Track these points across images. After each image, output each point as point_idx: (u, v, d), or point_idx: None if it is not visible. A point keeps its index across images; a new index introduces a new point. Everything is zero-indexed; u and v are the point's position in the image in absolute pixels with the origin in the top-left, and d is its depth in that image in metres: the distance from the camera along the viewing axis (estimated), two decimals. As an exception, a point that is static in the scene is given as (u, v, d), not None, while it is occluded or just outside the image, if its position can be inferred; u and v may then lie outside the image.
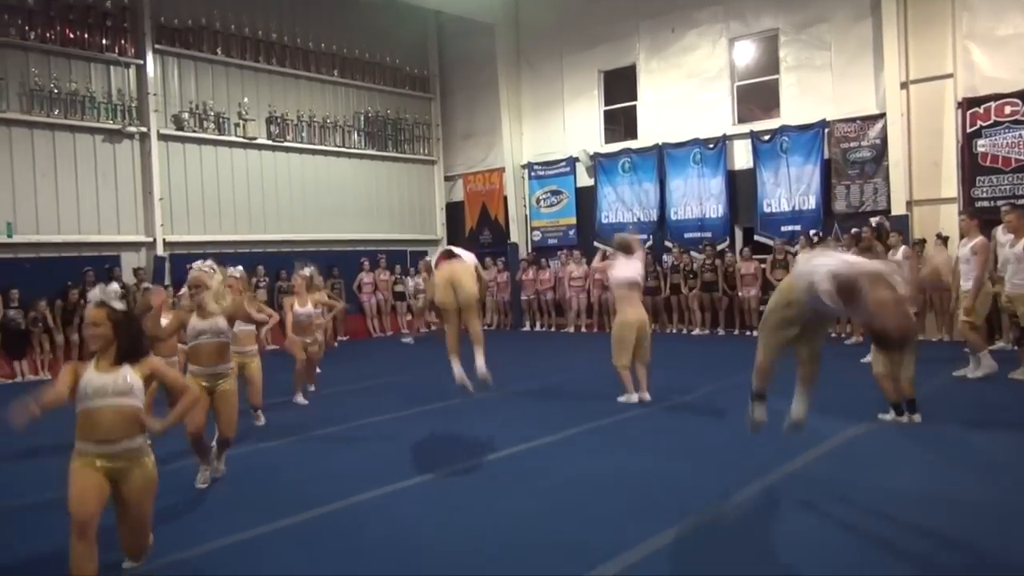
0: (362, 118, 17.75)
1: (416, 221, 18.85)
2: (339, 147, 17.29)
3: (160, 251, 14.18)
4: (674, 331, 14.94)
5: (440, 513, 4.81)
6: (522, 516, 4.68)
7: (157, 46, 14.44)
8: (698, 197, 15.30)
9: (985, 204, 12.14)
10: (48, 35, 13.15)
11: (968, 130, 12.40)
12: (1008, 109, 12.05)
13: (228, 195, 15.43)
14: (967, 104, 12.41)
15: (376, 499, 5.12)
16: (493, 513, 4.78)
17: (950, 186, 12.66)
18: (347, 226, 17.11)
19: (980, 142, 12.29)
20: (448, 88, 19.35)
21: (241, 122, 15.56)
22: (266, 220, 15.97)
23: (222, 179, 15.36)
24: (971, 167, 12.38)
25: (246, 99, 15.68)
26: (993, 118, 12.18)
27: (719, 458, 5.83)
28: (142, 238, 14.09)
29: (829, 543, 4.05)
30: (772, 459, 5.51)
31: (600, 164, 16.65)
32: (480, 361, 6.54)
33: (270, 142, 16.05)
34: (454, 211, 19.31)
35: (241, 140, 15.60)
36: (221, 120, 15.34)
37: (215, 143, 15.27)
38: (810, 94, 14.00)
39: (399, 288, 17.06)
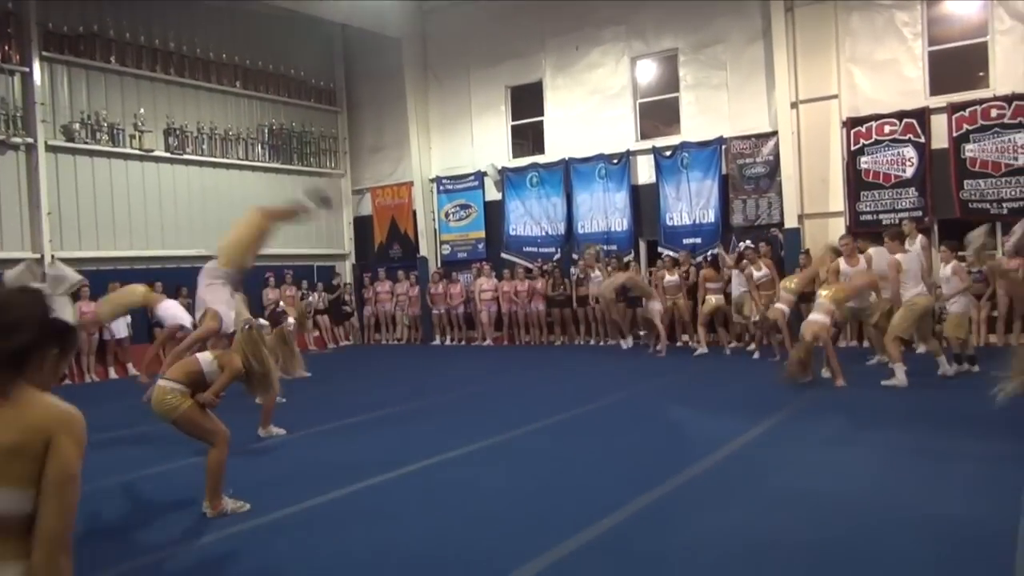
0: (266, 130, 17.38)
1: (323, 236, 18.54)
2: (242, 160, 16.87)
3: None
4: (581, 343, 15.20)
5: (342, 530, 4.74)
6: (429, 531, 4.67)
7: (45, 53, 13.76)
8: (604, 211, 15.63)
9: (868, 218, 12.93)
10: (-78, 39, 12.38)
11: (852, 148, 13.14)
12: (887, 128, 12.84)
13: (123, 209, 14.80)
14: (850, 123, 13.15)
15: (276, 521, 5.01)
16: (400, 528, 4.75)
17: (837, 201, 13.37)
18: (251, 241, 16.61)
19: (863, 159, 13.04)
20: (355, 101, 19.17)
21: (137, 134, 14.98)
22: (164, 235, 15.39)
23: (117, 193, 14.73)
24: (855, 183, 13.12)
25: (142, 110, 15.11)
26: (874, 137, 12.96)
27: (624, 464, 5.96)
28: (27, 254, 13.34)
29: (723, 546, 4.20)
30: (657, 474, 5.68)
31: (508, 178, 16.80)
32: None
33: (168, 154, 15.50)
34: (363, 225, 19.11)
35: (137, 152, 15.01)
36: (115, 131, 14.72)
37: (109, 155, 14.63)
38: (708, 112, 14.53)
39: (305, 304, 16.71)
